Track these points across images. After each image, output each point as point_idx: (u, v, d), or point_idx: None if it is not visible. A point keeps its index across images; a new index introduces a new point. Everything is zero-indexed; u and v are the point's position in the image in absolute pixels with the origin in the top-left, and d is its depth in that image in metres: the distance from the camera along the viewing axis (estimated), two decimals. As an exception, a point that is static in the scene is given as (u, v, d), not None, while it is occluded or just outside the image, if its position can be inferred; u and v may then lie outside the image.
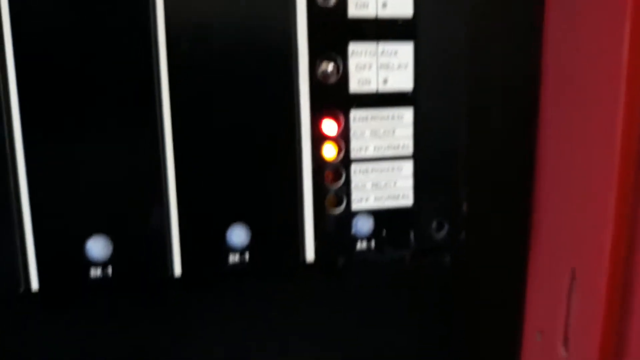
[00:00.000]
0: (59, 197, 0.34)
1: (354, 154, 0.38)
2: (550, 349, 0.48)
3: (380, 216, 0.39)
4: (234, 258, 0.37)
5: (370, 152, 0.38)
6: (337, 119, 0.37)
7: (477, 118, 0.41)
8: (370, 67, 0.37)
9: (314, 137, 0.37)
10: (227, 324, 0.40)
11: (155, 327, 0.39)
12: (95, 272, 0.35)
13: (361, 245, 0.39)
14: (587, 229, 0.43)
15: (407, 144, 0.39)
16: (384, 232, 0.39)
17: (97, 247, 0.35)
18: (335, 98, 0.37)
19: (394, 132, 0.38)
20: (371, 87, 0.37)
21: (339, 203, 0.39)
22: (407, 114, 0.38)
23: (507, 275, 0.47)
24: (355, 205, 0.39)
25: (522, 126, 0.44)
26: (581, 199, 0.43)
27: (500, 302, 0.48)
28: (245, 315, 0.40)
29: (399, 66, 0.37)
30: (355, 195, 0.39)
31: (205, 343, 0.40)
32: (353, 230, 0.39)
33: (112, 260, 0.35)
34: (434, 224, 0.40)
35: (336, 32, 0.36)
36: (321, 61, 0.36)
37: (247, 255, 0.37)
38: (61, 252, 0.35)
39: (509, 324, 0.49)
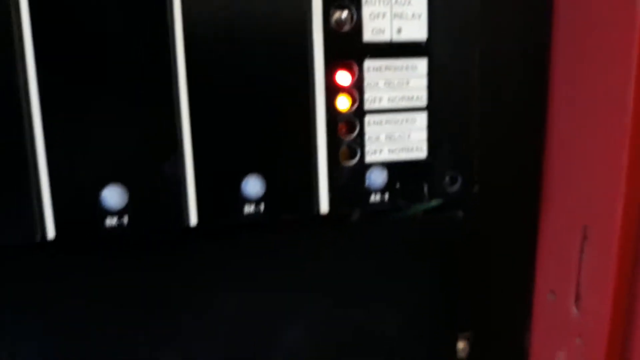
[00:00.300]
0: (74, 146, 0.34)
1: (367, 105, 0.38)
2: (562, 308, 0.48)
3: (394, 168, 0.39)
4: (249, 208, 0.37)
5: (384, 103, 0.38)
6: (350, 69, 0.37)
7: (490, 71, 0.41)
8: (384, 15, 0.37)
9: (328, 87, 0.37)
10: (241, 274, 0.40)
11: (170, 276, 0.39)
12: (111, 222, 0.35)
13: (375, 197, 0.39)
14: (599, 186, 0.43)
15: (421, 95, 0.39)
16: (398, 184, 0.39)
17: (113, 196, 0.35)
18: (349, 47, 0.37)
19: (408, 82, 0.38)
20: (385, 36, 0.37)
21: (353, 155, 0.38)
22: (421, 65, 0.38)
23: (518, 233, 0.47)
24: (369, 158, 0.39)
25: (533, 82, 0.44)
26: (593, 155, 0.43)
27: (512, 261, 0.48)
28: (260, 265, 0.40)
29: (413, 15, 0.37)
30: (369, 147, 0.38)
31: (220, 292, 0.40)
32: (367, 183, 0.39)
33: (128, 209, 0.35)
34: (447, 177, 0.40)
35: (349, -20, 0.36)
36: (335, 9, 0.36)
37: (262, 206, 0.37)
38: (77, 200, 0.35)
39: (520, 284, 0.49)
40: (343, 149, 0.38)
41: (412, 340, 0.46)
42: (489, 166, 0.42)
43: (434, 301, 0.45)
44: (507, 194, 0.46)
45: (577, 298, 0.47)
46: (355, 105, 0.38)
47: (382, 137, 0.39)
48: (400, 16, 0.37)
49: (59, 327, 0.38)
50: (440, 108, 0.39)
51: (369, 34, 0.37)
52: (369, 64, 0.37)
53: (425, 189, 0.40)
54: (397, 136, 0.39)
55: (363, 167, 0.39)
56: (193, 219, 0.36)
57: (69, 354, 0.38)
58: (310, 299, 0.42)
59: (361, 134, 0.38)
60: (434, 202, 0.42)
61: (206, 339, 0.40)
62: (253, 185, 0.37)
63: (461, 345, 0.48)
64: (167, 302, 0.39)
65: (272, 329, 0.42)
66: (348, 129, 0.38)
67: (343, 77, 0.37)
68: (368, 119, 0.38)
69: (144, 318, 0.39)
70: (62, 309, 0.38)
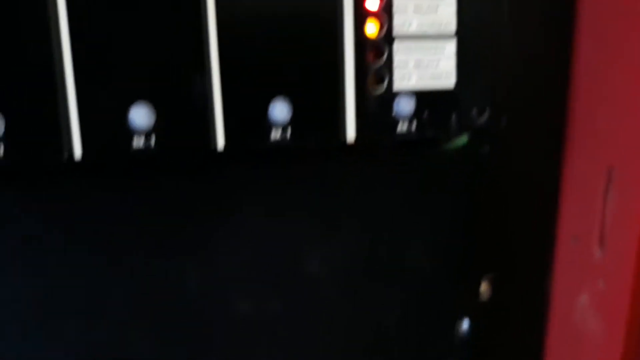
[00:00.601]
0: (102, 65, 0.34)
1: (396, 31, 0.37)
2: (586, 251, 0.47)
3: (422, 97, 0.39)
4: (275, 134, 0.37)
5: (413, 29, 0.38)
6: (379, -8, 0.37)
7: (517, 5, 0.41)
8: (414, -63, 0.36)
9: (357, 12, 0.37)
10: (266, 200, 0.40)
11: (195, 200, 0.39)
12: (138, 142, 0.35)
13: (402, 126, 0.39)
14: (625, 125, 0.43)
15: (450, 22, 0.38)
16: (426, 113, 0.39)
17: (140, 115, 0.35)
18: (379, -31, 0.36)
19: (437, 8, 0.38)
20: (415, -41, 0.37)
21: (381, 82, 0.38)
22: (450, -11, 0.38)
23: (542, 173, 0.46)
24: (397, 85, 0.38)
25: (560, 18, 0.43)
26: (619, 94, 0.43)
27: (535, 202, 0.47)
28: (285, 192, 0.40)
29: (444, -63, 0.37)
30: (397, 74, 0.38)
31: (244, 217, 0.40)
32: (394, 111, 0.38)
33: (155, 130, 0.35)
34: (475, 108, 0.40)
35: None
36: None
37: (288, 132, 0.37)
38: (104, 120, 0.34)
39: (544, 226, 0.48)
40: (371, 75, 0.38)
41: (434, 280, 0.46)
42: (513, 106, 0.42)
43: (456, 239, 0.45)
44: (532, 135, 0.45)
45: (601, 240, 0.46)
46: (384, 31, 0.37)
47: (411, 64, 0.38)
48: (430, -62, 0.36)
49: (85, 246, 0.38)
50: (469, 36, 0.39)
51: (399, -44, 0.36)
52: (398, -14, 0.37)
53: (454, 119, 0.39)
54: (426, 64, 0.38)
55: (391, 94, 0.38)
56: (220, 142, 0.36)
57: (94, 272, 0.38)
58: (332, 228, 0.42)
59: (389, 60, 0.38)
60: (462, 140, 0.42)
61: (230, 263, 0.40)
62: (280, 110, 0.36)
63: (484, 287, 0.48)
64: (190, 223, 0.39)
65: (295, 255, 0.41)
66: (376, 55, 0.38)
67: (372, 1, 0.37)
68: (397, 45, 0.38)
69: (168, 240, 0.39)
70: (88, 228, 0.38)
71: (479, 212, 0.45)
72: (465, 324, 0.47)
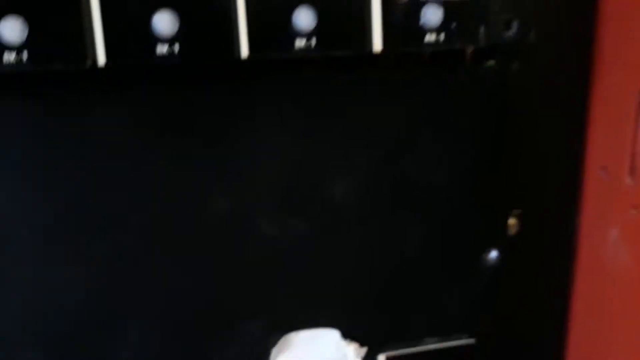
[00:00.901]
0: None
1: None
2: (615, 182, 0.46)
3: (450, 7, 0.38)
4: (300, 43, 0.36)
5: None
6: None
7: None
8: None
9: None
10: (290, 112, 0.39)
11: (219, 109, 0.38)
12: (162, 49, 0.34)
13: (430, 37, 0.38)
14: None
15: None
16: (454, 24, 0.38)
17: (164, 22, 0.34)
18: None
19: None
20: None
21: (408, -10, 0.37)
22: None
23: (570, 98, 0.45)
24: (423, -7, 0.37)
25: None
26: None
27: (563, 133, 0.46)
28: (310, 104, 0.39)
29: None
30: (424, -19, 0.37)
31: (267, 128, 0.39)
32: (422, 21, 0.38)
33: (179, 37, 0.34)
34: (504, 21, 0.39)
35: None
36: None
37: (313, 41, 0.36)
38: (128, 26, 0.34)
39: (571, 158, 0.47)
40: (398, -17, 0.37)
41: (460, 208, 0.45)
42: (542, 22, 0.41)
43: (482, 166, 0.44)
44: (559, 56, 0.44)
45: (632, 169, 0.45)
46: None
47: (438, -29, 0.37)
48: None
49: (107, 156, 0.37)
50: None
51: None
52: None
53: (482, 31, 0.38)
54: (453, -29, 0.37)
55: (418, 3, 0.37)
56: (244, 51, 0.35)
57: (114, 184, 0.38)
58: (357, 139, 0.41)
59: (416, -33, 0.37)
60: (489, 63, 0.41)
61: (253, 175, 0.40)
62: (304, 17, 0.36)
63: (511, 221, 0.47)
64: (214, 136, 0.39)
65: (318, 172, 0.41)
66: (403, -39, 0.37)
67: None
68: (423, -49, 0.37)
69: (190, 151, 0.39)
70: (110, 138, 0.37)
71: (502, 132, 0.44)
72: (493, 255, 0.46)
